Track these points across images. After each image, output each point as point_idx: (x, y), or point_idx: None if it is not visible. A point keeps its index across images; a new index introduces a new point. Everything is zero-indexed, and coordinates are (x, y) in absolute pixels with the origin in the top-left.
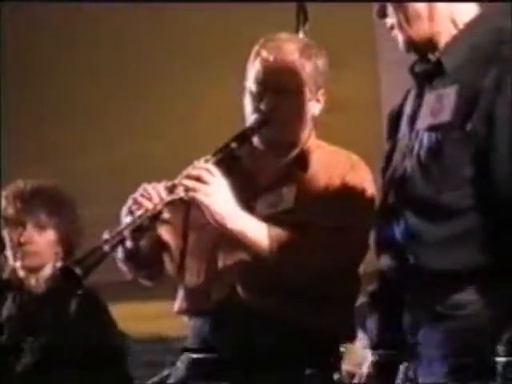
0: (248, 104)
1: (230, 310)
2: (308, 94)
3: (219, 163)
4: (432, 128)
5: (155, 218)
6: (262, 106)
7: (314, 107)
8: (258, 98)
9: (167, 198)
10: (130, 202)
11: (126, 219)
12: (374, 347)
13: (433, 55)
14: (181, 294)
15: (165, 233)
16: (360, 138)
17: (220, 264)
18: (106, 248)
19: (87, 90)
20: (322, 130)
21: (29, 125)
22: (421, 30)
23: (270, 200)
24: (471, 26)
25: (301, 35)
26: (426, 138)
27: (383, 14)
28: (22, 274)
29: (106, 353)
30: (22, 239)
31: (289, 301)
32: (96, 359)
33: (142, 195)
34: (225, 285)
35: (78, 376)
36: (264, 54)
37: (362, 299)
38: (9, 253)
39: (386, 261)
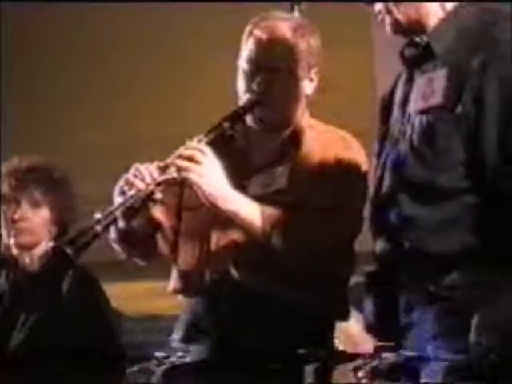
0: (241, 83)
1: (224, 290)
2: (301, 73)
3: (212, 143)
4: (423, 111)
5: (147, 198)
6: (255, 86)
7: (307, 86)
8: (250, 77)
9: (159, 178)
10: (122, 181)
11: (118, 199)
12: (369, 329)
13: (420, 38)
14: (175, 273)
15: (158, 213)
16: (355, 117)
17: (214, 244)
18: (98, 228)
19: (84, 75)
20: (317, 109)
21: (24, 108)
22: (408, 12)
23: (263, 180)
24: (459, 8)
25: (296, 14)
26: (417, 121)
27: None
28: (15, 251)
29: (100, 331)
30: (16, 216)
31: (282, 280)
32: (90, 338)
33: (135, 175)
34: (219, 265)
35: (71, 355)
36: (257, 32)
37: (358, 278)
38: (3, 230)
39: (381, 244)
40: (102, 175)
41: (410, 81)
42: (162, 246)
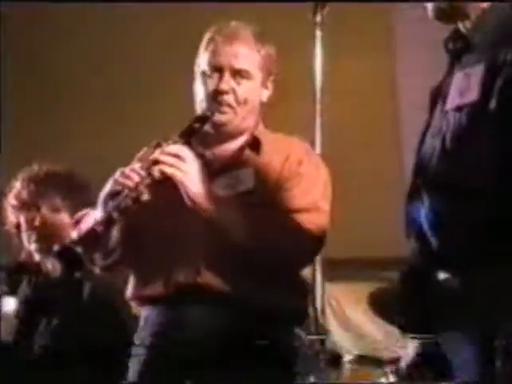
0: (201, 87)
1: (194, 295)
2: (260, 79)
3: (185, 145)
4: (459, 108)
5: (137, 198)
6: (219, 87)
7: (264, 93)
8: (213, 80)
9: (147, 177)
10: (110, 185)
11: (109, 202)
12: (403, 329)
13: (463, 28)
14: (134, 279)
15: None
16: (374, 120)
17: (180, 246)
18: (98, 229)
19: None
20: (337, 113)
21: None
22: None
23: (226, 182)
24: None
25: (318, 19)
26: (452, 118)
27: None
28: (37, 257)
29: (119, 339)
30: (37, 222)
31: (250, 283)
32: (109, 345)
33: (124, 176)
34: (187, 267)
35: (90, 361)
36: (220, 37)
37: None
38: (24, 236)
39: (412, 242)
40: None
41: (451, 74)
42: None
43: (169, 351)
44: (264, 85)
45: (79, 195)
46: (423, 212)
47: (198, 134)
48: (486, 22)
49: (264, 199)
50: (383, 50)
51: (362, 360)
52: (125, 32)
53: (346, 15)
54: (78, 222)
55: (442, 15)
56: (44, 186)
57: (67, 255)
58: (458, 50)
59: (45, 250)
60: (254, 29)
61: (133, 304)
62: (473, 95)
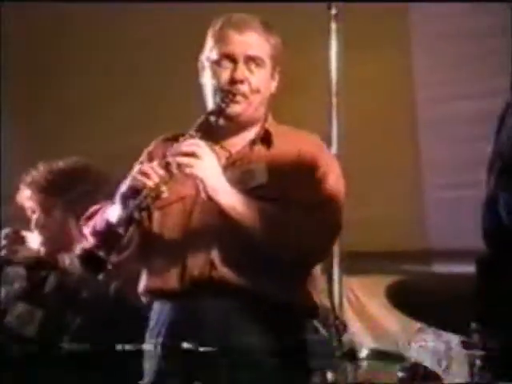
0: (211, 78)
1: (209, 289)
2: (270, 69)
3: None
4: None
5: (157, 196)
6: (235, 76)
7: (272, 84)
8: (227, 69)
9: (165, 175)
10: (128, 182)
11: (128, 201)
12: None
13: None
14: (147, 274)
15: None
16: (393, 114)
17: (194, 240)
18: (120, 230)
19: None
20: (356, 108)
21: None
22: None
23: (239, 177)
24: None
25: (333, 11)
26: None
27: None
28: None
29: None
30: (33, 226)
31: (266, 276)
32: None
33: (144, 175)
34: (202, 261)
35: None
36: (230, 27)
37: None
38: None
39: (490, 230)
40: None
41: None
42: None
43: (182, 347)
44: (272, 75)
45: (72, 196)
46: (504, 201)
47: (214, 126)
48: None
49: (277, 193)
50: (400, 43)
51: (379, 355)
52: (131, 28)
53: (361, 10)
54: (90, 218)
55: None
56: (38, 190)
57: (90, 259)
58: None
59: (49, 252)
60: (260, 19)
61: (143, 298)
62: None
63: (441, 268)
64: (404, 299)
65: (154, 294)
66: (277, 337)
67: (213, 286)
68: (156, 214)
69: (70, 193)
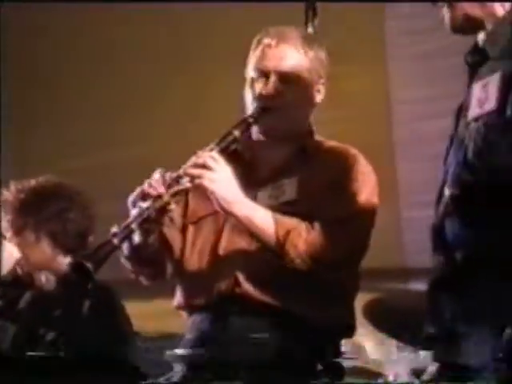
0: (248, 93)
1: (233, 303)
2: (310, 82)
3: (222, 152)
4: (478, 118)
5: (163, 209)
6: (264, 91)
7: (314, 96)
8: (259, 84)
9: (174, 188)
10: (136, 193)
11: (133, 211)
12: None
13: (480, 39)
14: (180, 289)
15: (165, 227)
16: (368, 132)
17: (222, 256)
18: (116, 241)
19: (94, 90)
20: (330, 126)
21: (30, 124)
22: (469, 10)
23: (271, 193)
24: None
25: (310, 30)
26: (472, 129)
27: None
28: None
29: (118, 351)
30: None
31: (290, 294)
32: (108, 358)
33: (150, 186)
34: (227, 277)
35: (89, 374)
36: (266, 40)
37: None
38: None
39: (438, 254)
40: (107, 195)
41: (471, 88)
42: (169, 263)
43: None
44: (314, 87)
45: (45, 212)
46: (451, 224)
47: (239, 139)
48: (501, 31)
49: (305, 209)
50: (375, 59)
51: (358, 371)
52: (134, 33)
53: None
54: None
55: (458, 27)
56: (10, 209)
57: (77, 269)
58: (477, 63)
59: (27, 272)
60: (303, 31)
61: (182, 312)
62: (490, 104)
63: (417, 285)
64: (381, 317)
65: (188, 308)
66: (299, 352)
67: (237, 302)
68: (190, 229)
69: (42, 212)
